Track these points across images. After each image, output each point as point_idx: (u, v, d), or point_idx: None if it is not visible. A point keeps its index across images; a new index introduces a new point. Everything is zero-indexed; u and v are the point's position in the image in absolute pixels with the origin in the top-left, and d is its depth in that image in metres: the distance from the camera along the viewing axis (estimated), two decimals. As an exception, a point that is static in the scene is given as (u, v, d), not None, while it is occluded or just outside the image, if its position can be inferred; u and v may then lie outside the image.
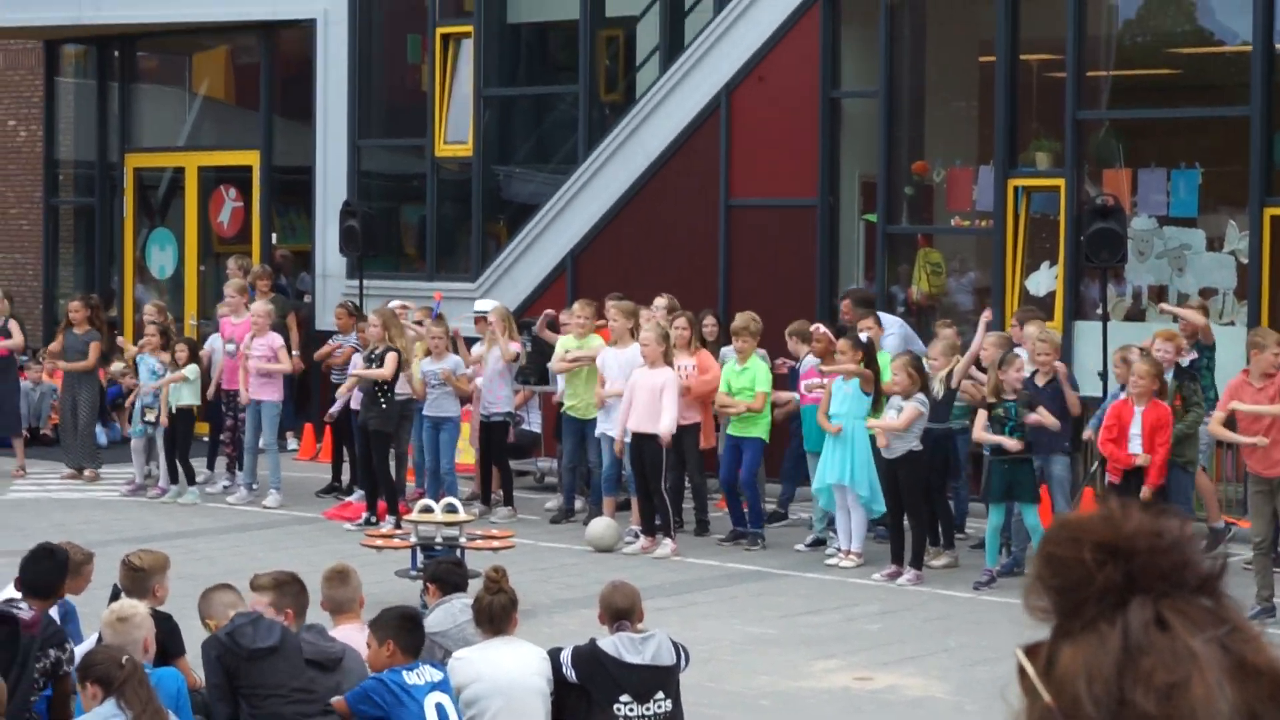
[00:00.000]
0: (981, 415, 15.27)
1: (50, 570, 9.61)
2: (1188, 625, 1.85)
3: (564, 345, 18.24)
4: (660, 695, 9.01)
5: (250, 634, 8.78)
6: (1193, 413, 15.27)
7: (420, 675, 8.76)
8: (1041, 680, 1.90)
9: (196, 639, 10.18)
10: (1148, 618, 1.86)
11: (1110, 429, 14.80)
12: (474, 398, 18.78)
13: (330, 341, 20.27)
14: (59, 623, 9.41)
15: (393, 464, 18.22)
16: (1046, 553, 1.93)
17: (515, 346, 18.46)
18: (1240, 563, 14.31)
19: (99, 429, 21.96)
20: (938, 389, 15.85)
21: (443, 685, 8.77)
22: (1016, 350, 15.91)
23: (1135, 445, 14.65)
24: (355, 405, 18.51)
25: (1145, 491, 14.28)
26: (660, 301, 18.33)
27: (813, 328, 17.32)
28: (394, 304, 19.14)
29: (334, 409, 19.08)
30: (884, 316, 17.78)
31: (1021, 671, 1.94)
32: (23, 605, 9.20)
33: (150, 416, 19.66)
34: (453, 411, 18.24)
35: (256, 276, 21.93)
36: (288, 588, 9.38)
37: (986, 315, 16.76)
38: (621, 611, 9.23)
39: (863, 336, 16.42)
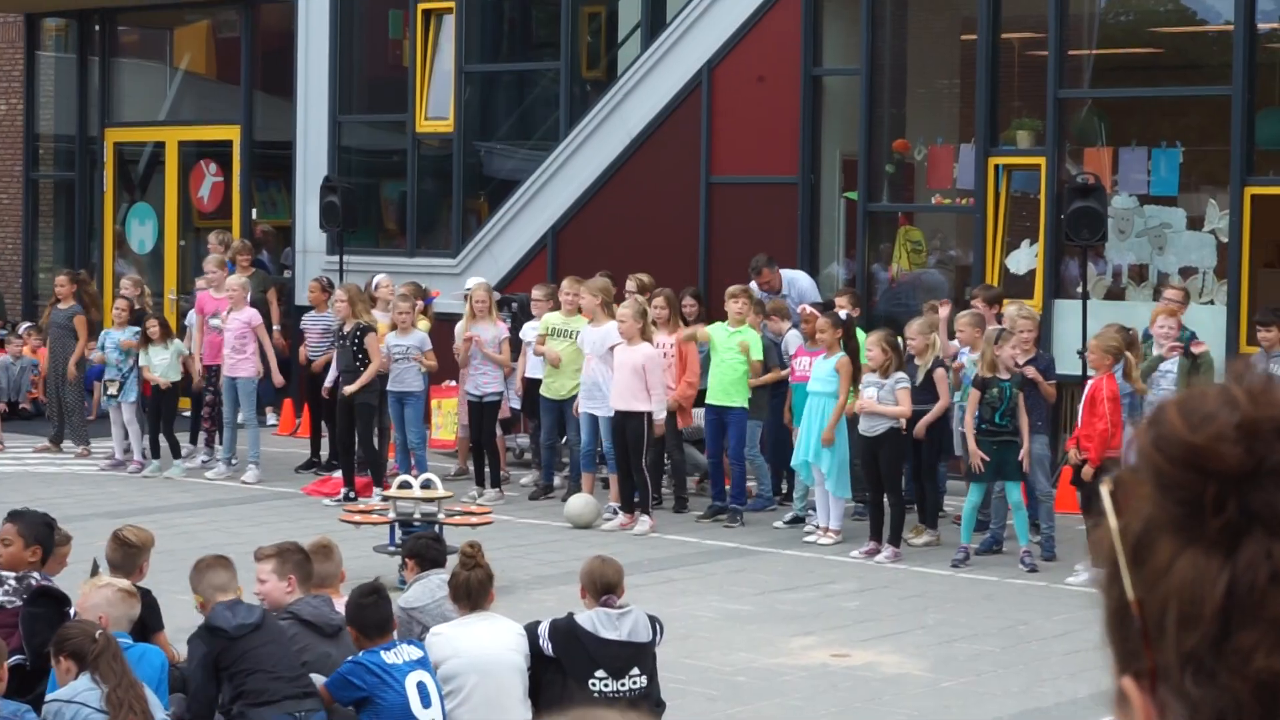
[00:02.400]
0: (974, 396, 15.19)
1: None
2: None
3: (550, 321, 18.18)
4: (635, 671, 9.01)
5: (229, 618, 8.74)
6: None
7: (399, 655, 8.67)
8: (1131, 570, 1.45)
9: (177, 614, 10.20)
10: (1265, 571, 1.40)
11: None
12: (460, 377, 18.70)
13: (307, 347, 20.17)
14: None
15: (375, 439, 18.19)
16: (1190, 444, 1.43)
17: (503, 330, 18.40)
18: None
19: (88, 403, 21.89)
20: (920, 373, 15.79)
21: (423, 663, 8.69)
22: (1000, 327, 15.90)
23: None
24: (329, 383, 18.52)
25: (1087, 470, 14.25)
26: (630, 284, 18.28)
27: (800, 308, 17.31)
28: (379, 277, 19.11)
29: (328, 381, 18.80)
30: (786, 272, 18.59)
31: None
32: (35, 576, 9.17)
33: (112, 390, 19.56)
34: (416, 385, 18.15)
35: (237, 251, 21.88)
36: (290, 555, 9.36)
37: (944, 309, 16.92)
38: (611, 585, 9.20)
39: (841, 314, 16.40)
